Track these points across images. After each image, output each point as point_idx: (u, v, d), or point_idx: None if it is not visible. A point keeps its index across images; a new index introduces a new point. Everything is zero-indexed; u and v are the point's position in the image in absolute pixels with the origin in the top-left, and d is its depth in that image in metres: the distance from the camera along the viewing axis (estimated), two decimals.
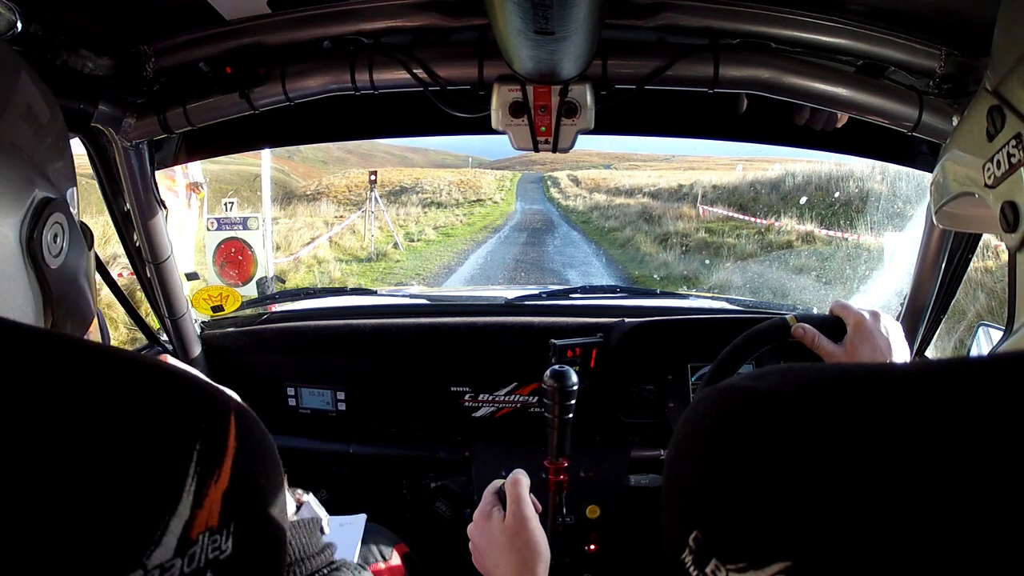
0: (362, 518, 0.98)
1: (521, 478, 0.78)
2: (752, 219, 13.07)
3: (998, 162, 0.41)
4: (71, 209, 0.47)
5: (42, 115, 0.44)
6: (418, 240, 14.41)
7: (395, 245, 12.57)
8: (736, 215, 13.99)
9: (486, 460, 1.33)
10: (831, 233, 10.01)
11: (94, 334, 1.25)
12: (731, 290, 8.32)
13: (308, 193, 21.94)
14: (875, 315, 0.80)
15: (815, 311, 1.56)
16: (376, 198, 13.34)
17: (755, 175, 17.72)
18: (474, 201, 23.32)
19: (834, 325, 0.82)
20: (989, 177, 0.42)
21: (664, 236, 13.27)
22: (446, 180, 26.78)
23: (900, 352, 0.78)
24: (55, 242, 0.44)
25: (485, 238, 15.23)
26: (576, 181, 29.90)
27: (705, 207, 15.78)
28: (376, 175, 14.36)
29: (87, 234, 0.51)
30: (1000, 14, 0.43)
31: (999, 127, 0.41)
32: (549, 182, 31.30)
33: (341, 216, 15.27)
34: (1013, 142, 0.39)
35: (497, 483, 0.80)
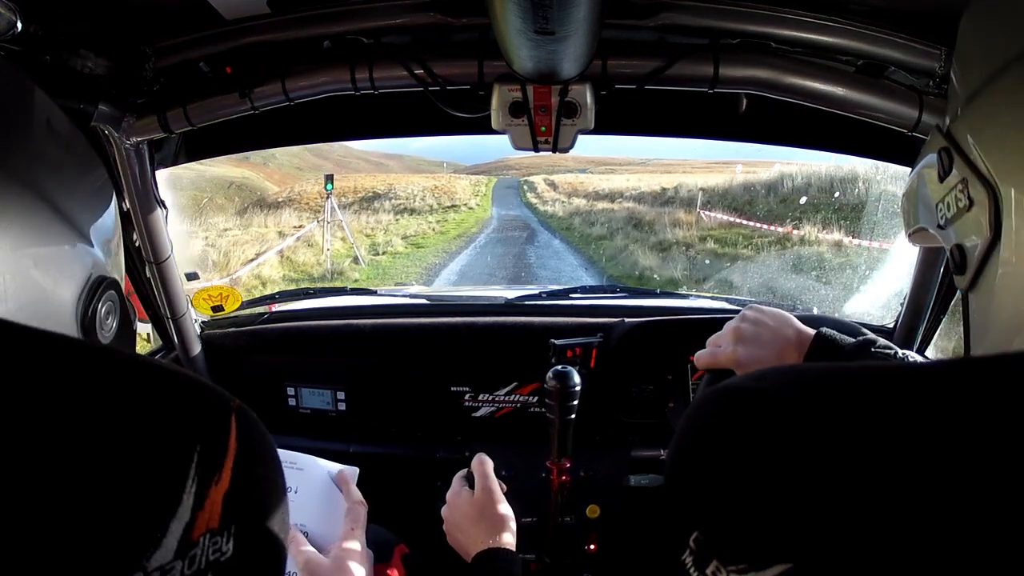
0: (354, 470, 0.94)
1: (485, 459, 0.88)
2: (763, 226, 11.81)
3: (948, 204, 0.41)
4: (120, 282, 0.48)
5: (102, 199, 0.47)
6: (383, 253, 13.01)
7: (355, 260, 11.34)
8: (743, 221, 12.83)
9: None
10: (856, 241, 9.13)
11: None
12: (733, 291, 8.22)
13: (280, 200, 21.03)
14: (739, 337, 0.71)
15: (815, 311, 1.56)
16: (333, 206, 11.45)
17: (746, 178, 17.17)
18: (448, 207, 22.26)
19: (724, 374, 0.72)
20: (941, 218, 0.42)
21: (662, 245, 12.09)
22: (420, 186, 25.63)
23: (783, 327, 0.70)
24: (108, 319, 0.45)
25: (459, 248, 13.64)
26: (553, 185, 28.80)
27: (708, 212, 14.69)
28: (332, 180, 11.82)
29: (132, 309, 0.52)
30: (955, 56, 0.43)
31: (948, 169, 0.41)
32: (525, 187, 29.95)
33: (302, 226, 13.94)
34: (960, 187, 0.39)
35: (462, 471, 0.91)
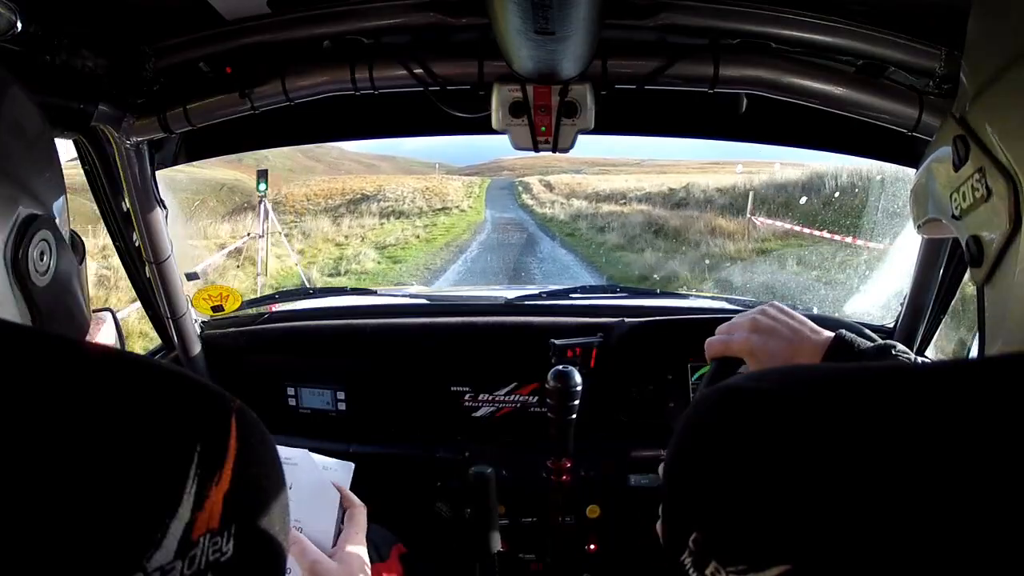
0: (350, 465, 0.93)
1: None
2: (842, 238, 8.10)
3: (964, 194, 0.40)
4: (59, 222, 0.46)
5: (30, 129, 0.44)
6: (345, 272, 10.27)
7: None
8: (814, 232, 9.37)
9: (486, 460, 1.33)
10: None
11: (104, 337, 1.25)
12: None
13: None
14: (756, 327, 0.69)
15: (815, 309, 1.56)
16: (268, 211, 7.76)
17: (768, 177, 15.17)
18: (439, 209, 20.46)
19: (733, 364, 0.71)
20: (956, 208, 0.41)
21: (712, 261, 9.14)
22: (411, 187, 23.81)
23: (803, 327, 0.68)
24: (42, 259, 0.43)
25: (444, 264, 11.01)
26: (549, 186, 26.96)
27: (762, 219, 11.52)
28: (266, 179, 7.52)
29: (78, 246, 0.50)
30: (967, 40, 0.42)
31: (963, 158, 0.39)
32: (520, 187, 28.07)
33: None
34: (976, 176, 0.38)
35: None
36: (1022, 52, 0.35)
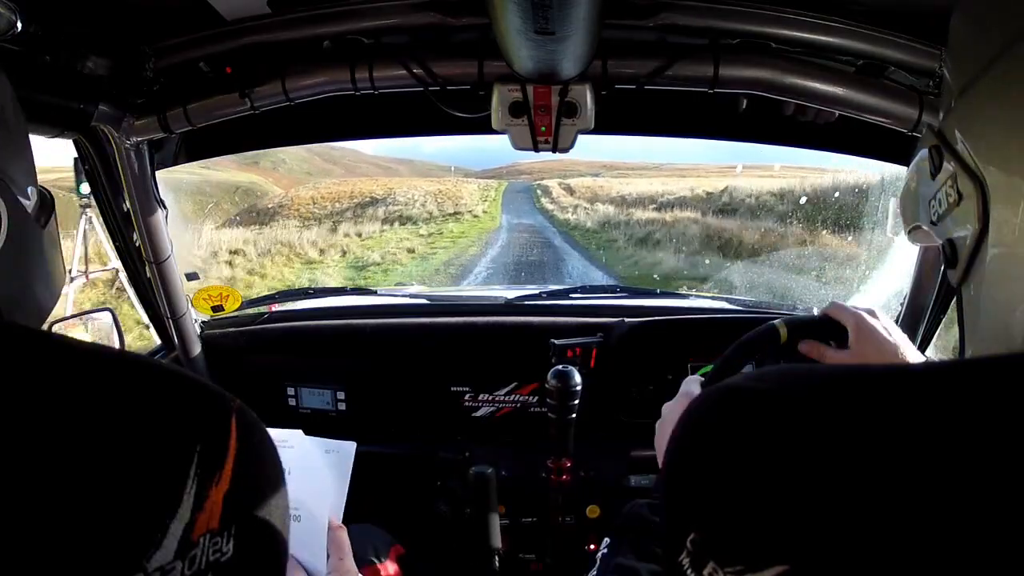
0: (351, 445, 0.90)
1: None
2: None
3: (940, 200, 0.42)
4: (28, 205, 0.43)
5: (10, 118, 0.43)
6: None
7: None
8: None
9: (486, 460, 1.34)
10: None
11: (100, 336, 1.25)
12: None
13: (270, 207, 17.99)
14: (872, 313, 0.77)
15: (815, 311, 1.56)
16: (92, 225, 4.69)
17: (831, 180, 11.91)
18: (450, 214, 18.41)
19: (832, 329, 0.78)
20: (933, 215, 0.43)
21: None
22: (423, 190, 21.88)
23: (907, 348, 0.75)
24: None
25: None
26: (570, 190, 24.99)
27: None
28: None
29: (47, 202, 0.46)
30: (947, 54, 0.44)
31: (938, 166, 0.42)
32: (539, 191, 26.00)
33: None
34: (949, 182, 0.40)
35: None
36: (988, 63, 0.37)
